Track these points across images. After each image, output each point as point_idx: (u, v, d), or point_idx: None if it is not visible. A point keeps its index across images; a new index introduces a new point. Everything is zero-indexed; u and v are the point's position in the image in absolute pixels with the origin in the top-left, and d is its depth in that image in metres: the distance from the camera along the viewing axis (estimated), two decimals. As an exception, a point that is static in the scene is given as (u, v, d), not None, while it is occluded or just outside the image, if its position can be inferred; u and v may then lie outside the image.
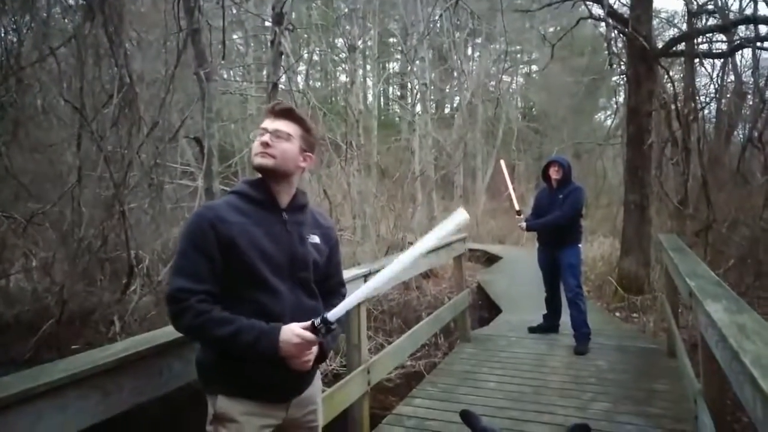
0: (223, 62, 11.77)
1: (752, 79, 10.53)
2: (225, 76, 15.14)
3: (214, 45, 7.50)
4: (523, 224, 5.16)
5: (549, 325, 5.49)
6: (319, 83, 22.55)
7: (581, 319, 4.94)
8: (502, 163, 5.50)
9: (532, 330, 5.51)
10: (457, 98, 23.84)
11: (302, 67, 16.58)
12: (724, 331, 1.86)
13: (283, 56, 8.11)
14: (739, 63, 12.67)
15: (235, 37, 16.33)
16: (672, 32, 13.71)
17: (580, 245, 5.09)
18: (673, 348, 4.40)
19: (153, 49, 9.54)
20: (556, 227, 4.97)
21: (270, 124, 1.64)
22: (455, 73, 21.93)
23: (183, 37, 7.12)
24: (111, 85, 7.77)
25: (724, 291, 2.52)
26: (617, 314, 7.21)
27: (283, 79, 8.47)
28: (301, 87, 11.42)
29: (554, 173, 5.03)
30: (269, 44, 8.69)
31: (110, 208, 7.44)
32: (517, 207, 5.33)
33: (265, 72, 12.48)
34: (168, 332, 1.70)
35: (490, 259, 13.49)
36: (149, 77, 9.06)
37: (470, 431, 3.12)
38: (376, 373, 3.24)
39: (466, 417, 3.23)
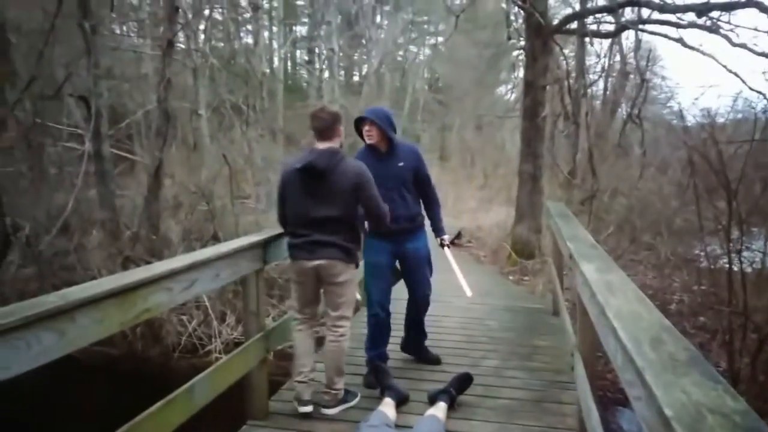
0: (113, 15, 10.88)
1: (634, 60, 11.37)
2: (117, 30, 13.99)
3: (100, -5, 6.89)
4: (446, 239, 3.72)
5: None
6: (222, 44, 21.50)
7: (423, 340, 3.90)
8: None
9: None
10: (366, 66, 23.69)
11: (202, 26, 15.68)
12: (594, 288, 2.03)
13: (179, 11, 7.65)
14: (624, 44, 13.63)
15: (126, -13, 15.07)
16: (568, 10, 14.42)
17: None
18: (557, 307, 4.77)
19: (29, -5, 8.59)
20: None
21: None
22: (363, 41, 21.74)
23: (63, -16, 6.50)
24: (-21, 32, 6.95)
25: (598, 253, 2.74)
26: (510, 277, 7.67)
27: (181, 38, 8.00)
28: (200, 46, 10.81)
29: (367, 135, 3.39)
30: (164, -2, 8.15)
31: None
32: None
33: (162, 29, 11.70)
34: (36, 303, 1.60)
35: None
36: (26, 26, 8.18)
37: (378, 386, 3.22)
38: (277, 340, 3.23)
39: (377, 372, 3.31)
